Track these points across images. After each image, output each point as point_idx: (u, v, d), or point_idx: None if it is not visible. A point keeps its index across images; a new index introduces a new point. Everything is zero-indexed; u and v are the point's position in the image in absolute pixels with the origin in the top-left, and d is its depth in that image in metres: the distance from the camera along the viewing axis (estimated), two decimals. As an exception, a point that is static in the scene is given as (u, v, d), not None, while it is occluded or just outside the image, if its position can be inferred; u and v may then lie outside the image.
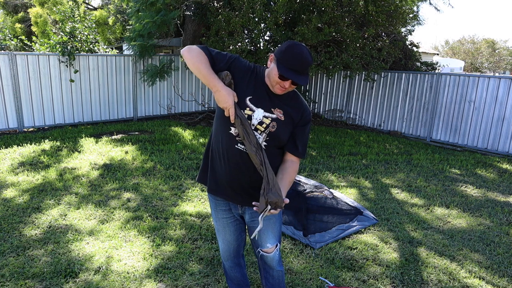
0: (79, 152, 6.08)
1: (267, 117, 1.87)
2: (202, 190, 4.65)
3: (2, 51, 7.77)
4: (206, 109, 9.99)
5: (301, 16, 7.90)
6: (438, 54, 25.37)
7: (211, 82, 1.83)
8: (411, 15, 9.28)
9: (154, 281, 2.80)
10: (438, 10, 13.28)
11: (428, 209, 4.45)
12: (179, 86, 9.55)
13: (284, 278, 2.26)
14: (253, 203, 1.81)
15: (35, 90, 7.53)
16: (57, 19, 10.65)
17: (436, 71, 10.16)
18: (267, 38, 8.35)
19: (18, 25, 17.05)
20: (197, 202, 4.30)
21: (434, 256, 3.34)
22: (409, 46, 9.98)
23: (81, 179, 4.87)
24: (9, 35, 10.37)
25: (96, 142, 6.73)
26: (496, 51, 34.65)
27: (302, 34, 7.29)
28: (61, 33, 8.39)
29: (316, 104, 10.85)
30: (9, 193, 4.32)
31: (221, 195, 2.05)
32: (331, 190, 4.31)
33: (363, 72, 9.08)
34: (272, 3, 7.87)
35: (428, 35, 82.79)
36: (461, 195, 4.94)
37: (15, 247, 3.17)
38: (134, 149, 6.32)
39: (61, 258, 3.04)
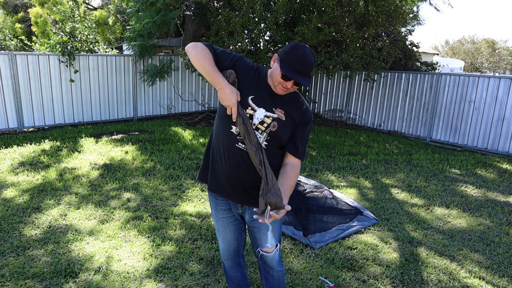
0: (79, 152, 6.08)
1: (268, 117, 1.87)
2: (202, 190, 4.65)
3: (2, 51, 7.77)
4: (206, 109, 9.99)
5: (301, 16, 7.90)
6: (438, 54, 25.37)
7: (216, 79, 1.83)
8: (411, 15, 9.29)
9: (154, 281, 2.80)
10: (438, 10, 13.31)
11: (428, 209, 4.45)
12: (179, 86, 9.55)
13: (284, 278, 2.26)
14: (254, 209, 1.78)
15: (35, 90, 7.53)
16: (57, 19, 10.65)
17: (436, 71, 10.16)
18: (267, 38, 8.35)
19: (18, 25, 17.05)
20: (197, 202, 4.30)
21: (434, 256, 3.34)
22: (409, 46, 9.98)
23: (81, 179, 4.87)
24: (9, 35, 10.39)
25: (96, 142, 6.73)
26: (496, 51, 34.65)
27: (302, 34, 7.29)
28: (61, 33, 8.39)
29: (316, 104, 10.84)
30: (9, 193, 4.32)
31: (222, 194, 2.05)
32: (331, 190, 4.31)
33: (363, 72, 9.08)
34: (272, 3, 7.87)
35: (428, 35, 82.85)
36: (461, 195, 4.94)
37: (15, 247, 3.17)
38: (134, 149, 6.32)
39: (61, 258, 3.04)
